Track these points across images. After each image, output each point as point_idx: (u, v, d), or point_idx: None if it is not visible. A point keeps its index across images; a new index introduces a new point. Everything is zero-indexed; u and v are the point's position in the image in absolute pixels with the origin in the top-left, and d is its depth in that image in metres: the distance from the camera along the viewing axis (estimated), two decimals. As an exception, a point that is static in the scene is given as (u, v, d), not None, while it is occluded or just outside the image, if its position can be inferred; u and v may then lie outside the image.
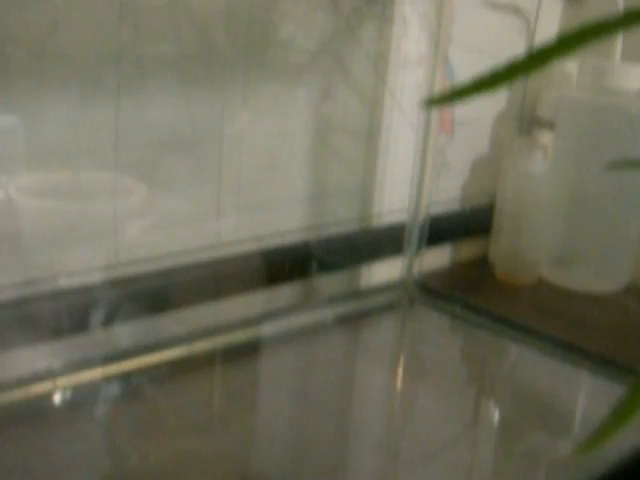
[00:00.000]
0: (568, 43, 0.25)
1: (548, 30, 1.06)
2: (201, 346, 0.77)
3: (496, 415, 0.76)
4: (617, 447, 0.64)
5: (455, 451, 0.66)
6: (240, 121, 0.78)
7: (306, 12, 0.80)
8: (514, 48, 1.02)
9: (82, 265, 0.71)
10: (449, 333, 0.91)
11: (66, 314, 0.70)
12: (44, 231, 0.69)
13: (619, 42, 0.94)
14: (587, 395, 0.81)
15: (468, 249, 1.07)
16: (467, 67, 0.95)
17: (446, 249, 1.04)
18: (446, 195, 1.02)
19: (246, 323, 0.81)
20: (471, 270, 1.05)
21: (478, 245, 1.07)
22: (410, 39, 0.88)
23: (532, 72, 0.26)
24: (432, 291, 0.94)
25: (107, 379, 0.71)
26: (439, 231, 1.00)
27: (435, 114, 0.92)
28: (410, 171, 0.92)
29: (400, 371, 0.81)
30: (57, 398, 0.67)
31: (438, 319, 0.91)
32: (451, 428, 0.69)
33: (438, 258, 1.03)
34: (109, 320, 0.72)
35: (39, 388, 0.67)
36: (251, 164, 0.80)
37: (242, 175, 0.80)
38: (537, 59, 0.25)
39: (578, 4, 1.06)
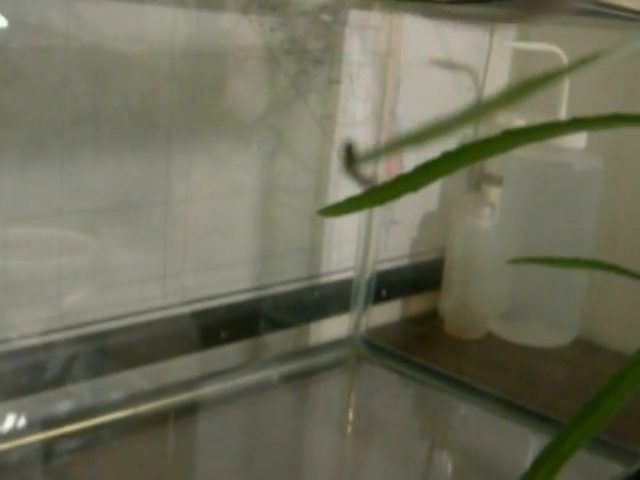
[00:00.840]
0: (448, 159, 0.26)
1: (497, 86, 1.08)
2: (146, 407, 0.77)
3: (443, 471, 0.76)
4: None
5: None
6: (186, 182, 0.78)
7: (253, 75, 0.81)
8: (463, 105, 1.04)
9: (28, 327, 0.71)
10: (396, 391, 0.91)
11: (11, 376, 0.70)
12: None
13: (564, 101, 0.95)
14: (528, 452, 0.81)
15: (418, 304, 1.08)
16: (415, 125, 0.96)
17: (396, 304, 1.05)
18: (395, 251, 1.02)
19: (192, 383, 0.81)
20: (421, 325, 1.06)
21: (428, 300, 1.08)
22: (357, 99, 0.89)
23: (418, 188, 0.27)
24: (379, 348, 0.94)
25: (52, 442, 0.70)
26: (388, 287, 1.00)
27: (382, 170, 0.93)
28: (357, 229, 0.93)
29: (348, 428, 0.82)
30: (5, 459, 0.67)
31: (385, 377, 0.91)
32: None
33: (388, 313, 1.04)
34: (56, 381, 0.72)
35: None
36: (198, 225, 0.81)
37: (188, 236, 0.80)
38: (423, 173, 0.26)
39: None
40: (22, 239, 0.70)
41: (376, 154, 0.29)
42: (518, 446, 0.81)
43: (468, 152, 0.27)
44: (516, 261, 0.36)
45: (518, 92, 0.28)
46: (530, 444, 0.82)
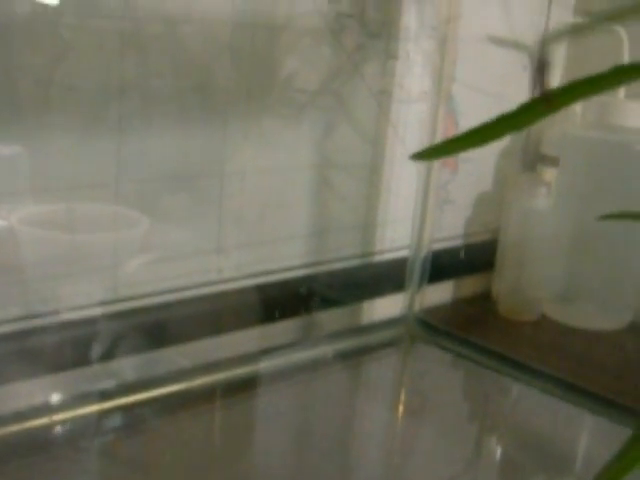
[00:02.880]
0: (549, 100, 0.24)
1: (553, 66, 1.06)
2: (200, 381, 0.77)
3: (496, 454, 0.75)
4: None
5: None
6: (241, 156, 0.78)
7: (309, 48, 0.80)
8: (519, 84, 1.02)
9: (82, 298, 0.71)
10: (450, 370, 0.90)
11: (66, 348, 0.70)
12: (45, 263, 0.69)
13: None
14: (587, 434, 0.80)
15: (471, 285, 1.06)
16: (471, 103, 0.95)
17: (448, 285, 1.04)
18: (449, 231, 1.01)
19: (246, 359, 0.80)
20: (473, 306, 1.05)
21: (481, 281, 1.07)
22: (413, 75, 0.88)
23: (520, 128, 0.26)
24: (433, 328, 0.93)
25: (107, 413, 0.70)
26: (441, 267, 0.99)
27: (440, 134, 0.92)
28: (412, 207, 0.92)
29: (400, 408, 0.81)
30: (55, 432, 0.67)
31: (439, 356, 0.90)
32: (451, 466, 0.69)
33: (440, 294, 1.03)
34: (108, 354, 0.72)
35: (37, 422, 0.67)
36: (252, 199, 0.80)
37: (243, 210, 0.80)
38: (521, 115, 0.25)
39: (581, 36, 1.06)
40: (79, 210, 0.70)
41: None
42: (573, 427, 0.80)
43: (577, 88, 0.25)
44: (608, 217, 0.35)
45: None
46: (584, 425, 0.81)
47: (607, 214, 0.35)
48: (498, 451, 0.76)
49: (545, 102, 0.27)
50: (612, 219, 0.33)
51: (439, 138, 0.91)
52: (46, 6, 0.62)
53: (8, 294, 0.67)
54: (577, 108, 1.02)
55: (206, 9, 0.72)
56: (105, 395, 0.71)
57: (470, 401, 0.86)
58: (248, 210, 0.80)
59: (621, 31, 0.94)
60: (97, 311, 0.72)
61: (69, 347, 0.70)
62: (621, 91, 0.94)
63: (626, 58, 0.94)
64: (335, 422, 0.76)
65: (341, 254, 0.89)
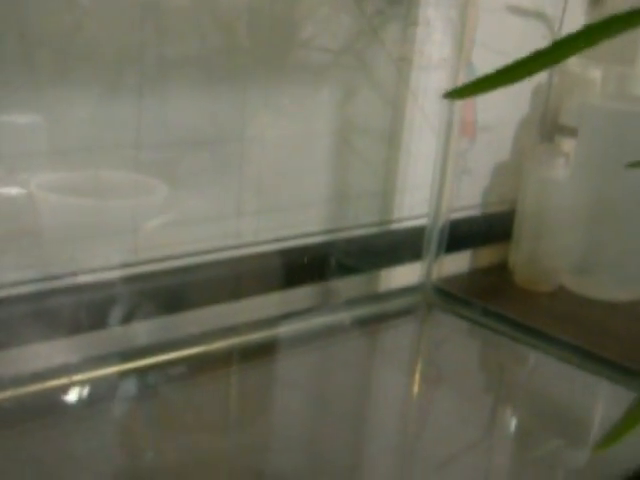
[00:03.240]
0: (589, 35, 0.24)
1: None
2: (219, 345, 0.77)
3: (513, 421, 0.75)
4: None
5: (471, 456, 0.66)
6: (261, 121, 0.78)
7: (329, 13, 0.79)
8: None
9: (101, 262, 0.71)
10: (467, 338, 0.90)
11: (85, 310, 0.70)
12: (64, 227, 0.69)
13: (642, 50, 0.93)
14: (604, 402, 0.80)
15: (488, 255, 1.06)
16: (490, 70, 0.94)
17: (466, 255, 1.04)
18: (467, 200, 1.01)
19: (264, 323, 0.81)
20: (490, 276, 1.05)
21: (498, 251, 1.07)
22: (433, 42, 0.88)
23: (552, 64, 0.26)
24: (450, 296, 0.93)
25: (124, 376, 0.71)
26: (459, 236, 0.99)
27: (457, 118, 0.92)
28: (431, 175, 0.92)
29: (417, 375, 0.81)
30: (74, 393, 0.67)
31: (456, 324, 0.90)
32: (468, 433, 0.69)
33: (458, 263, 1.02)
34: (128, 317, 0.72)
35: (56, 383, 0.67)
36: (272, 165, 0.80)
37: (263, 176, 0.80)
38: (556, 51, 0.25)
39: (600, 5, 1.06)
40: (98, 175, 0.70)
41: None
42: (589, 394, 0.80)
43: (612, 23, 0.25)
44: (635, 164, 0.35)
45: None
46: (601, 392, 0.81)
47: (633, 161, 0.35)
48: (515, 418, 0.76)
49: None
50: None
51: (458, 105, 0.90)
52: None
53: (27, 257, 0.67)
54: (596, 78, 1.02)
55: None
56: (124, 357, 0.72)
57: (487, 369, 0.86)
58: (267, 176, 0.80)
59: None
60: (117, 274, 0.72)
61: (88, 309, 0.70)
62: (639, 62, 0.94)
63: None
64: (352, 388, 0.76)
65: (360, 221, 0.89)
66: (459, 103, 0.90)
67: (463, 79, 0.90)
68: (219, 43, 0.73)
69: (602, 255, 0.99)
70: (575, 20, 1.06)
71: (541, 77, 1.05)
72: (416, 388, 0.79)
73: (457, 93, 0.27)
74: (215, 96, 0.74)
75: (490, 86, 0.27)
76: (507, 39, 0.97)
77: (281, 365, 0.78)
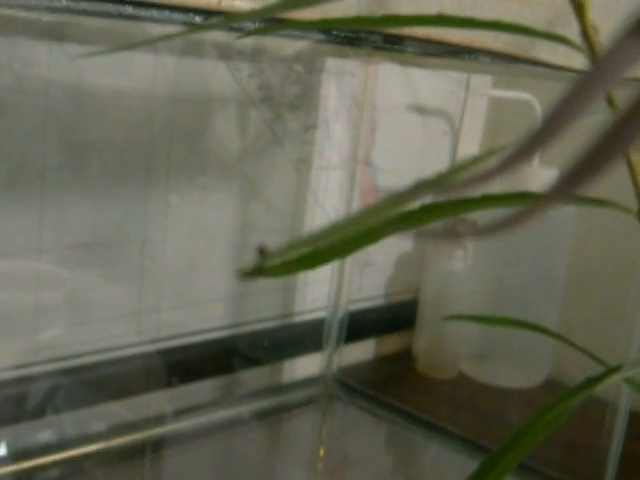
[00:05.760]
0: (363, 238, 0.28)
1: (473, 131, 1.10)
2: (119, 441, 0.78)
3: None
4: None
5: None
6: (163, 223, 0.80)
7: (230, 118, 0.83)
8: (439, 148, 1.06)
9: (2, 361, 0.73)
10: (366, 429, 0.93)
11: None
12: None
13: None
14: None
15: (392, 343, 1.10)
16: (392, 168, 0.98)
17: (371, 343, 1.07)
18: (370, 291, 1.05)
19: (165, 418, 0.83)
20: (394, 364, 1.08)
21: (402, 339, 1.10)
22: (333, 144, 0.92)
23: (333, 260, 0.29)
24: (351, 387, 0.96)
25: (25, 474, 0.72)
26: (363, 326, 1.02)
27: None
28: (331, 269, 0.95)
29: (318, 465, 0.83)
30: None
31: (356, 415, 0.93)
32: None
33: (362, 352, 1.06)
34: (24, 416, 0.74)
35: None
36: (174, 264, 0.83)
37: (164, 274, 0.82)
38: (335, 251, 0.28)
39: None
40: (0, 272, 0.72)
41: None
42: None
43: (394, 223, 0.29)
44: (449, 318, 0.38)
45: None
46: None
47: (448, 316, 0.38)
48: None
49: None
50: (452, 319, 0.36)
51: (357, 204, 0.94)
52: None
53: None
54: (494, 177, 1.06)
55: (128, 83, 0.75)
56: (19, 457, 0.73)
57: (385, 458, 0.88)
58: (169, 274, 0.83)
59: (533, 100, 0.99)
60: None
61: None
62: (535, 158, 0.98)
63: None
64: (253, 478, 0.78)
65: (262, 315, 0.92)
66: (358, 202, 0.94)
67: (362, 179, 0.94)
68: (121, 150, 0.76)
69: (500, 342, 1.03)
70: (475, 116, 1.11)
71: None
72: (317, 478, 0.81)
73: (248, 274, 0.30)
74: (117, 199, 0.77)
75: (278, 273, 0.30)
76: (408, 135, 1.01)
77: (180, 459, 0.80)
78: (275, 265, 0.30)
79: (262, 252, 0.22)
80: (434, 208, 0.29)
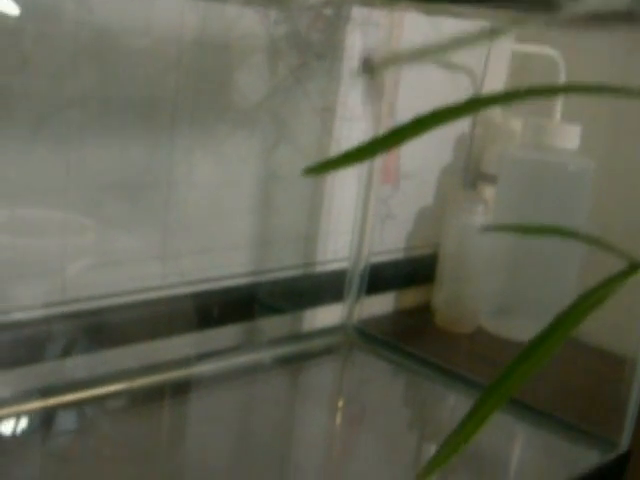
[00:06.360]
0: (418, 125, 0.28)
1: (495, 87, 1.10)
2: (142, 382, 0.79)
3: (428, 455, 0.78)
4: None
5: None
6: (187, 168, 0.81)
7: (255, 65, 0.83)
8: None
9: (29, 300, 0.74)
10: (386, 378, 0.93)
11: (11, 347, 0.72)
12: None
13: (560, 103, 0.98)
14: (517, 442, 0.84)
15: (411, 297, 1.10)
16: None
17: (390, 296, 1.08)
18: (391, 244, 1.05)
19: (187, 362, 0.83)
20: (413, 317, 1.08)
21: (421, 293, 1.10)
22: (356, 94, 0.92)
23: (392, 148, 0.29)
24: (371, 337, 0.97)
25: (51, 410, 0.73)
26: (383, 279, 1.03)
27: (379, 165, 0.96)
28: (353, 220, 0.96)
29: (338, 414, 0.84)
30: (2, 428, 0.69)
31: (376, 364, 0.94)
32: (387, 471, 0.72)
33: (381, 305, 1.06)
34: (54, 354, 0.75)
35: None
36: (197, 209, 0.83)
37: (188, 219, 0.83)
38: (396, 136, 0.28)
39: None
40: (28, 217, 0.73)
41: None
42: (501, 434, 0.83)
43: (436, 116, 0.29)
44: (491, 228, 0.39)
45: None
46: (514, 432, 0.84)
47: (488, 225, 0.39)
48: (431, 454, 0.79)
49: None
50: (493, 230, 0.37)
51: (379, 156, 0.94)
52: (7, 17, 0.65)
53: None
54: (517, 129, 1.07)
55: (157, 26, 0.75)
56: (50, 392, 0.74)
57: (405, 408, 0.89)
58: (193, 219, 0.83)
59: (557, 55, 0.99)
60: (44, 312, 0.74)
61: (15, 346, 0.72)
62: (557, 113, 0.98)
63: (562, 79, 0.99)
64: (273, 424, 0.79)
65: (283, 264, 0.93)
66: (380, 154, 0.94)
67: (386, 129, 0.94)
68: (148, 92, 0.76)
69: (519, 298, 1.03)
70: (497, 72, 1.11)
71: (464, 127, 1.09)
72: (336, 426, 0.81)
73: (318, 169, 0.30)
74: (142, 141, 0.77)
75: (351, 161, 0.31)
76: (430, 88, 1.01)
77: (203, 402, 0.81)
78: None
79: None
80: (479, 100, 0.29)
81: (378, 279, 1.01)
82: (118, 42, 0.72)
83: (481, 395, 0.31)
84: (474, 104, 0.29)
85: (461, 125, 1.09)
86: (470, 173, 1.11)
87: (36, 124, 0.70)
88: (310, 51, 0.86)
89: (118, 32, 0.72)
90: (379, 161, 0.96)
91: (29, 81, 0.68)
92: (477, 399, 0.31)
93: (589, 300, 0.32)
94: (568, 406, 0.85)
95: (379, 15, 0.91)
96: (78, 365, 0.77)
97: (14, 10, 0.66)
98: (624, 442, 0.77)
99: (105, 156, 0.75)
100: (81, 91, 0.71)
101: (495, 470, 0.76)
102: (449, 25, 0.99)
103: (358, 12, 0.89)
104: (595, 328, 1.02)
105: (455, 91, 1.05)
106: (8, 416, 0.70)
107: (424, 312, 1.08)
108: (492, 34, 0.83)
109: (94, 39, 0.71)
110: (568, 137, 0.98)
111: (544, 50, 1.00)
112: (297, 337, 0.95)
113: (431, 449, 0.80)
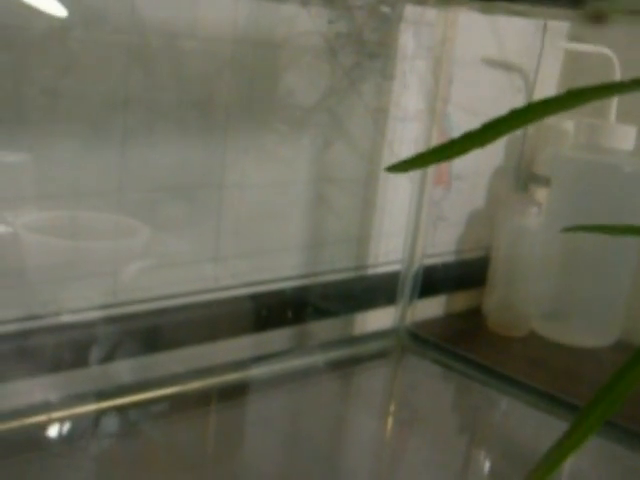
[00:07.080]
0: (514, 118, 0.27)
1: (547, 88, 1.09)
2: (196, 385, 0.79)
3: (483, 464, 0.77)
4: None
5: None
6: (241, 169, 0.80)
7: (308, 65, 0.82)
8: (513, 105, 1.05)
9: (82, 302, 0.74)
10: (439, 382, 0.92)
11: (65, 349, 0.72)
12: (47, 267, 0.71)
13: (614, 103, 0.96)
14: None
15: (462, 300, 1.09)
16: (467, 122, 0.97)
17: (441, 299, 1.06)
18: (442, 247, 1.04)
19: (240, 365, 0.83)
20: (464, 320, 1.07)
21: (472, 297, 1.09)
22: (409, 94, 0.91)
23: (486, 144, 0.28)
24: (424, 340, 0.95)
25: (102, 414, 0.72)
26: (434, 282, 1.02)
27: (432, 167, 0.94)
28: (405, 223, 0.95)
29: (390, 418, 0.83)
30: (53, 431, 0.69)
31: (428, 368, 0.93)
32: (440, 476, 0.71)
33: (432, 308, 1.05)
34: (106, 357, 0.74)
35: (36, 420, 0.69)
36: (250, 211, 0.82)
37: (241, 221, 0.82)
38: (491, 130, 0.27)
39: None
40: (82, 219, 0.72)
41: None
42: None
43: (532, 110, 0.28)
44: (569, 229, 0.38)
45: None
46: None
47: (569, 227, 0.38)
48: (486, 462, 0.78)
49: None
50: (574, 231, 0.36)
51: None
52: (56, 19, 0.65)
53: (11, 296, 0.69)
54: (570, 130, 1.05)
55: (210, 25, 0.74)
56: (102, 396, 0.73)
57: (458, 412, 0.88)
58: (245, 221, 0.82)
59: (611, 55, 0.97)
60: (96, 314, 0.74)
61: (68, 348, 0.72)
62: (612, 114, 0.97)
63: (617, 79, 0.97)
64: (325, 430, 0.78)
65: (335, 266, 0.92)
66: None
67: (437, 131, 0.93)
68: (202, 93, 0.76)
69: (573, 302, 1.01)
70: (550, 72, 1.09)
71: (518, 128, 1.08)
72: (388, 430, 0.80)
73: (399, 167, 0.29)
74: (196, 144, 0.77)
75: (430, 161, 0.30)
76: (483, 89, 1.00)
77: (256, 406, 0.80)
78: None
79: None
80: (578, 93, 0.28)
81: (429, 282, 0.99)
82: (171, 42, 0.72)
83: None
84: (574, 97, 0.28)
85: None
86: (522, 175, 1.09)
87: (92, 127, 0.69)
88: (363, 51, 0.85)
89: (170, 32, 0.72)
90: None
91: (85, 83, 0.68)
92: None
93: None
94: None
95: (432, 15, 0.90)
96: (132, 368, 0.77)
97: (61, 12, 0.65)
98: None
99: (159, 158, 0.74)
100: (136, 93, 0.71)
101: None
102: (498, 26, 0.98)
103: (411, 11, 0.88)
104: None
105: (508, 90, 1.03)
106: (60, 420, 0.70)
107: (475, 315, 1.07)
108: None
109: (149, 40, 0.70)
110: (623, 138, 0.96)
111: (598, 50, 0.99)
112: (349, 340, 0.94)
113: (482, 454, 0.79)
